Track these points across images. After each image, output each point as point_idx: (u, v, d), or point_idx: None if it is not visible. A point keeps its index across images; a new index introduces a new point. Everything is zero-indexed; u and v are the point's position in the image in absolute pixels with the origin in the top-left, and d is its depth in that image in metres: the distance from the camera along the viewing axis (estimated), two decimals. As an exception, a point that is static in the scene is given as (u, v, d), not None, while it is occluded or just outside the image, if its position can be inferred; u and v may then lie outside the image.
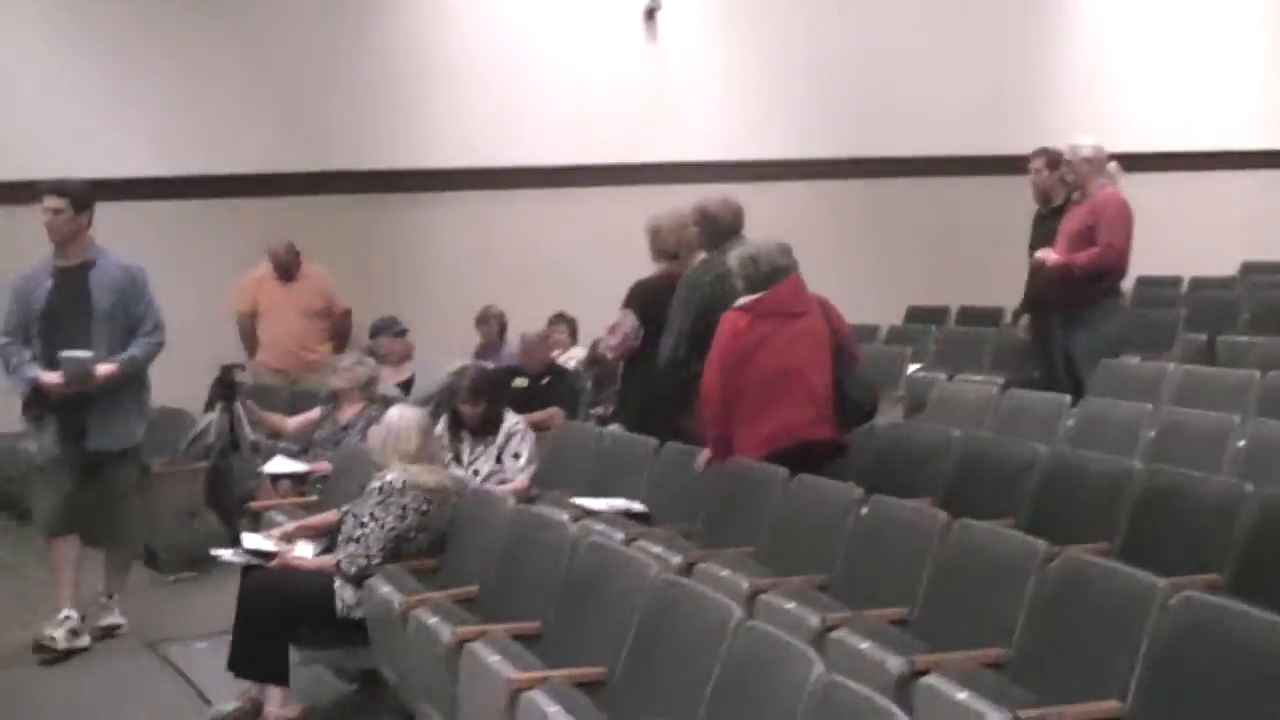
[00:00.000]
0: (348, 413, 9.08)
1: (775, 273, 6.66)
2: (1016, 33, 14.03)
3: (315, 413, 9.39)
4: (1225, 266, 13.78)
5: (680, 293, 7.16)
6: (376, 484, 6.28)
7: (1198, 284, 13.36)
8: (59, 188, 7.39)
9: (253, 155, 11.70)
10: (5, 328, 7.42)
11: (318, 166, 11.81)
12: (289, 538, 6.73)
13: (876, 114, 13.53)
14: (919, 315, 12.99)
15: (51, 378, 7.23)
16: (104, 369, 7.23)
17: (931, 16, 13.67)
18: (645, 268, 7.94)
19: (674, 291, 7.32)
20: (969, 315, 12.66)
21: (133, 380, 7.50)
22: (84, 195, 7.42)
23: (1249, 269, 13.68)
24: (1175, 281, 13.43)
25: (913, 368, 10.71)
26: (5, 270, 7.78)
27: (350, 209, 11.94)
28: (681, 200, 8.05)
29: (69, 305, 7.35)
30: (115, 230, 10.45)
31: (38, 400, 7.35)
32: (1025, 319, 9.93)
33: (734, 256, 6.83)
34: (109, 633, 7.62)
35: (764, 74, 13.19)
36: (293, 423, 9.46)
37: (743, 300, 6.66)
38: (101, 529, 7.63)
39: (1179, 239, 13.43)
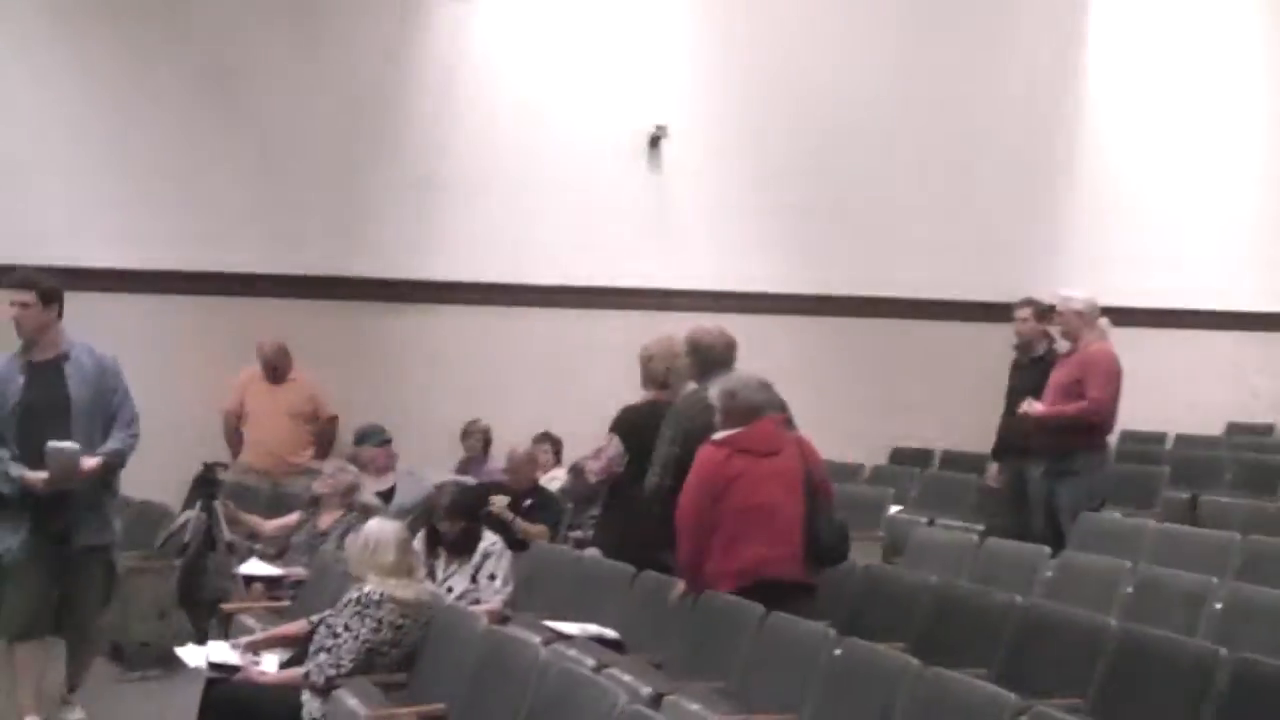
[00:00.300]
0: (326, 519, 9.05)
1: (753, 409, 6.69)
2: (1015, 184, 14.15)
3: (293, 517, 9.36)
4: (1211, 426, 13.84)
5: (669, 422, 7.17)
6: (354, 595, 6.27)
7: (1183, 441, 13.42)
8: (26, 280, 7.24)
9: (248, 254, 11.65)
10: None
11: (313, 270, 11.81)
12: (256, 648, 6.68)
13: (872, 253, 13.61)
14: (904, 457, 13.02)
15: (36, 475, 7.01)
16: (89, 463, 7.09)
17: (931, 162, 13.80)
18: (636, 392, 7.96)
19: (659, 418, 7.34)
20: (953, 460, 12.68)
21: (111, 474, 7.38)
22: (52, 289, 7.25)
23: (1234, 429, 13.74)
24: (1160, 438, 13.49)
25: (894, 509, 10.72)
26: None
27: (343, 314, 11.92)
28: (675, 326, 8.09)
29: (45, 401, 7.14)
30: (103, 321, 10.50)
31: (7, 502, 7.11)
32: (994, 467, 10.00)
33: (714, 390, 6.87)
34: None
35: (762, 207, 13.28)
36: (270, 525, 9.43)
37: (720, 435, 6.69)
38: (68, 622, 7.43)
39: (1165, 396, 13.48)
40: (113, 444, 7.25)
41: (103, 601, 7.63)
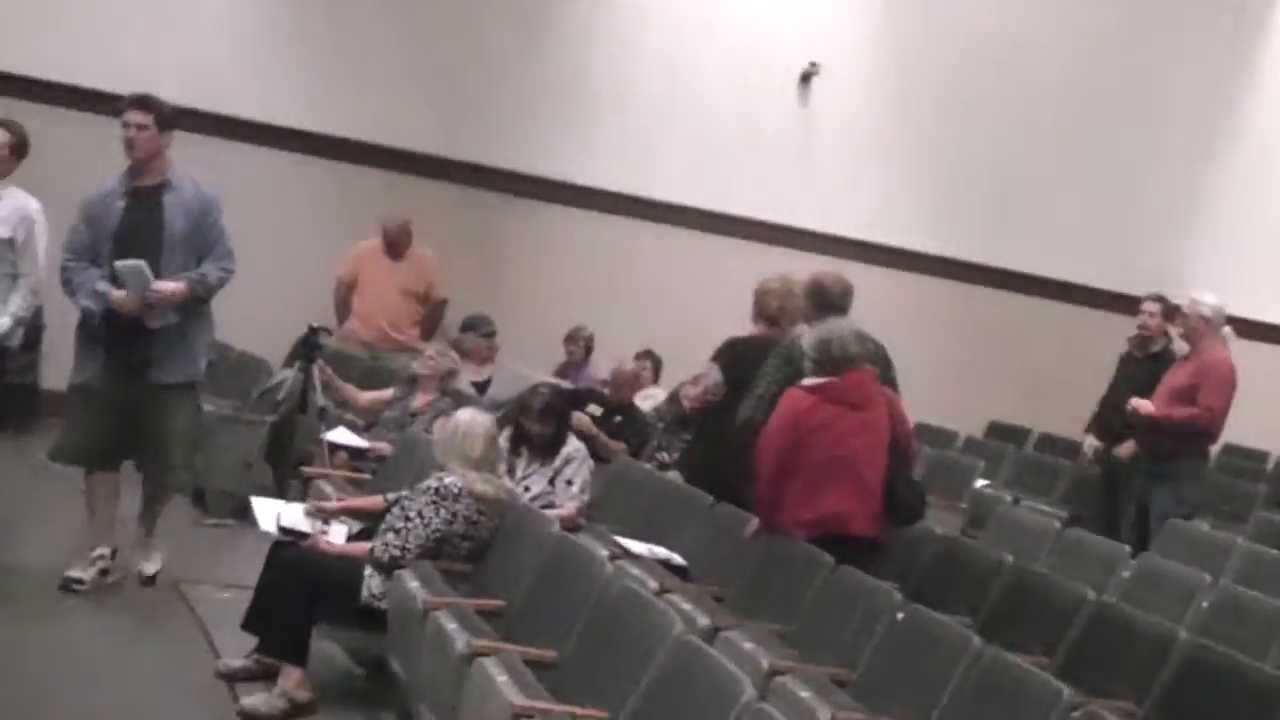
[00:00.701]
0: (420, 400, 9.13)
1: (846, 360, 6.62)
2: (1162, 175, 13.88)
3: (388, 393, 9.44)
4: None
5: (773, 359, 7.11)
6: (434, 483, 6.30)
7: (1285, 463, 13.18)
8: (145, 102, 7.04)
9: (394, 129, 11.78)
10: (71, 246, 7.05)
11: (448, 153, 11.88)
12: (329, 515, 6.73)
13: (1003, 224, 13.46)
14: (1000, 432, 12.90)
15: (120, 294, 6.88)
16: (168, 286, 6.88)
17: (1088, 143, 13.57)
18: (745, 325, 7.91)
19: (764, 355, 7.28)
20: (1050, 443, 12.53)
21: (198, 313, 7.18)
22: (171, 115, 7.09)
23: (1343, 457, 13.43)
24: (1263, 456, 13.23)
25: (981, 483, 10.60)
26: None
27: (474, 202, 12.00)
28: (797, 266, 8.03)
29: (142, 226, 6.99)
30: (244, 172, 10.69)
31: (90, 326, 7.04)
32: (1091, 443, 9.87)
33: (808, 337, 6.80)
34: (149, 582, 7.39)
35: (905, 160, 13.16)
36: (365, 397, 9.53)
37: (810, 381, 6.63)
38: (150, 460, 7.36)
39: (1276, 415, 13.22)
40: (202, 269, 7.04)
41: (183, 443, 7.34)
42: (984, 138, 13.32)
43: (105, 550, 7.26)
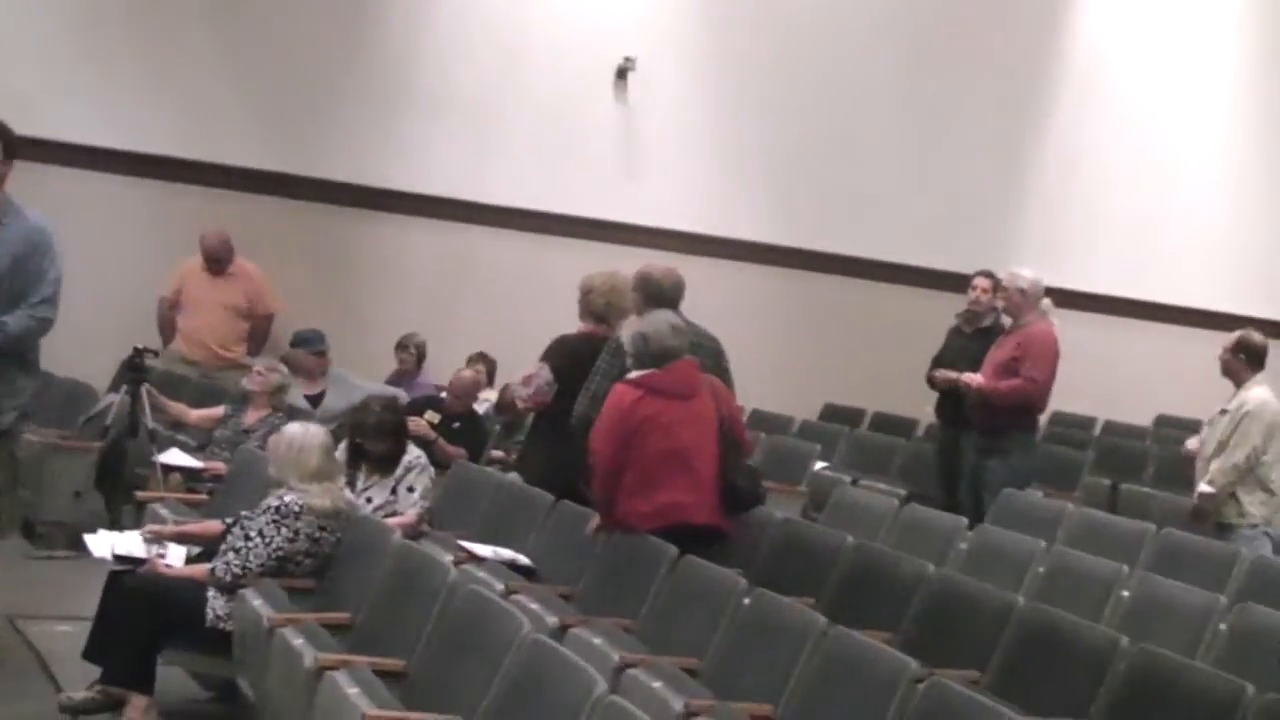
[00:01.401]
0: (252, 417, 9.03)
1: (665, 353, 6.67)
2: (982, 152, 14.16)
3: (219, 410, 9.31)
4: (1141, 417, 13.94)
5: (604, 355, 7.14)
6: (273, 503, 6.23)
7: (1110, 429, 13.52)
8: None
9: (214, 145, 11.55)
10: None
11: (267, 165, 11.71)
12: (163, 538, 6.62)
13: (830, 209, 13.61)
14: (834, 414, 13.06)
15: None
16: None
17: (902, 122, 13.80)
18: (575, 323, 7.93)
19: (593, 352, 7.30)
20: (884, 422, 12.74)
21: (9, 353, 6.29)
22: (14, 140, 6.28)
23: (1162, 422, 13.85)
24: (1089, 423, 13.59)
25: (819, 465, 10.73)
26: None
27: (295, 214, 11.81)
28: (627, 262, 8.05)
29: None
30: (55, 196, 10.42)
31: None
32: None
33: (626, 332, 6.85)
34: None
35: (727, 149, 13.25)
36: (195, 415, 9.39)
37: (633, 375, 6.67)
38: None
39: (1100, 382, 13.58)
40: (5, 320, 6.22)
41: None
42: (807, 123, 13.45)
43: None
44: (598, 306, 7.74)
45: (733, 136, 13.29)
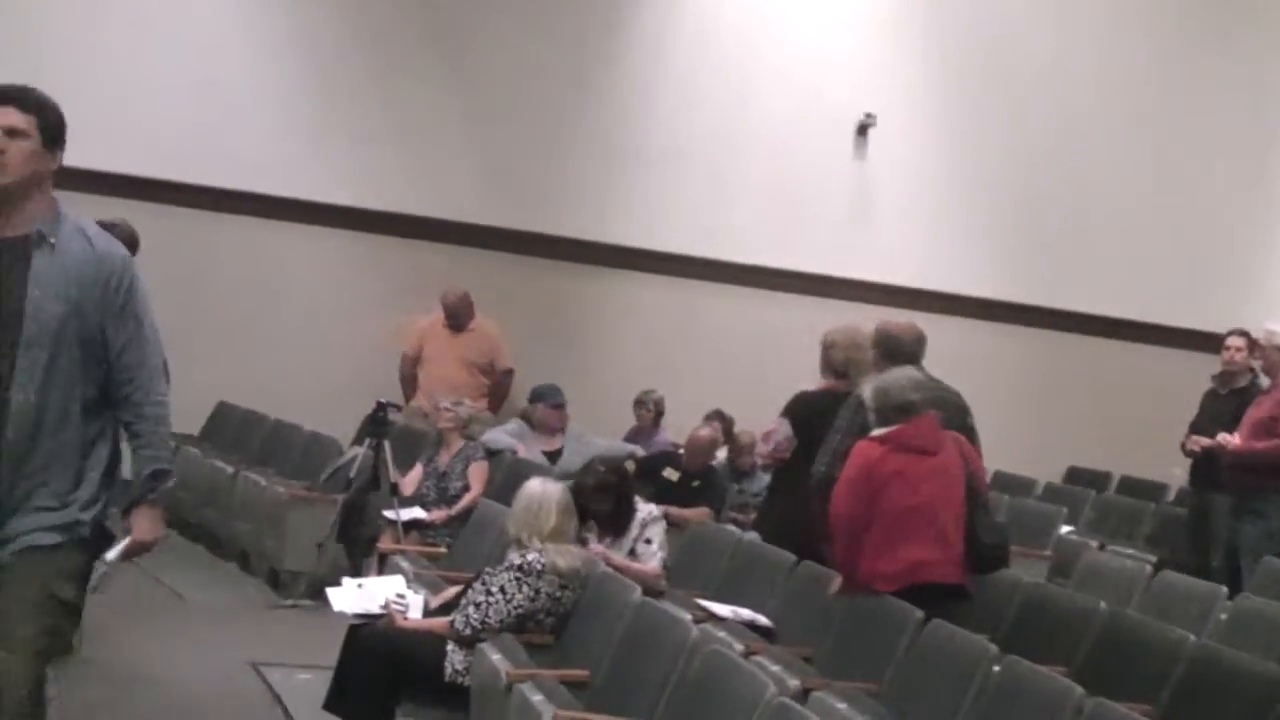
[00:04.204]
0: (444, 457, 9.14)
1: (907, 407, 6.48)
2: (1227, 207, 13.70)
3: (418, 469, 9.36)
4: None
5: (844, 412, 6.98)
6: (516, 560, 6.20)
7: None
8: (23, 97, 4.21)
9: (453, 202, 11.79)
10: None
11: (508, 223, 11.87)
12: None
13: (1071, 265, 13.31)
14: (1079, 477, 12.70)
15: None
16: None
17: (1143, 176, 13.44)
18: (814, 382, 7.79)
19: (833, 407, 7.16)
20: (1130, 485, 12.32)
21: (97, 441, 4.28)
22: (60, 124, 4.25)
23: None
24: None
25: (1065, 529, 10.39)
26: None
27: (533, 271, 11.98)
28: (860, 317, 7.91)
29: None
30: (303, 252, 10.72)
31: None
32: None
33: (867, 388, 6.68)
34: None
35: (966, 206, 13.06)
36: (406, 483, 9.30)
37: (877, 432, 6.50)
38: None
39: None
40: (137, 438, 4.27)
41: (40, 642, 4.12)
42: (1050, 178, 13.19)
43: None
44: (837, 361, 7.58)
45: (972, 191, 13.10)
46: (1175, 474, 10.13)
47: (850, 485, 6.39)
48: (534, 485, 6.50)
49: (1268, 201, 14.01)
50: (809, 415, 7.38)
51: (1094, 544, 10.01)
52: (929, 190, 13.00)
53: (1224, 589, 7.79)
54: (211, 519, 10.21)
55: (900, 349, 7.07)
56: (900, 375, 6.65)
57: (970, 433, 6.91)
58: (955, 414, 6.84)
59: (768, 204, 12.43)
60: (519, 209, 11.91)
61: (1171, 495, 11.69)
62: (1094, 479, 12.56)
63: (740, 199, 12.41)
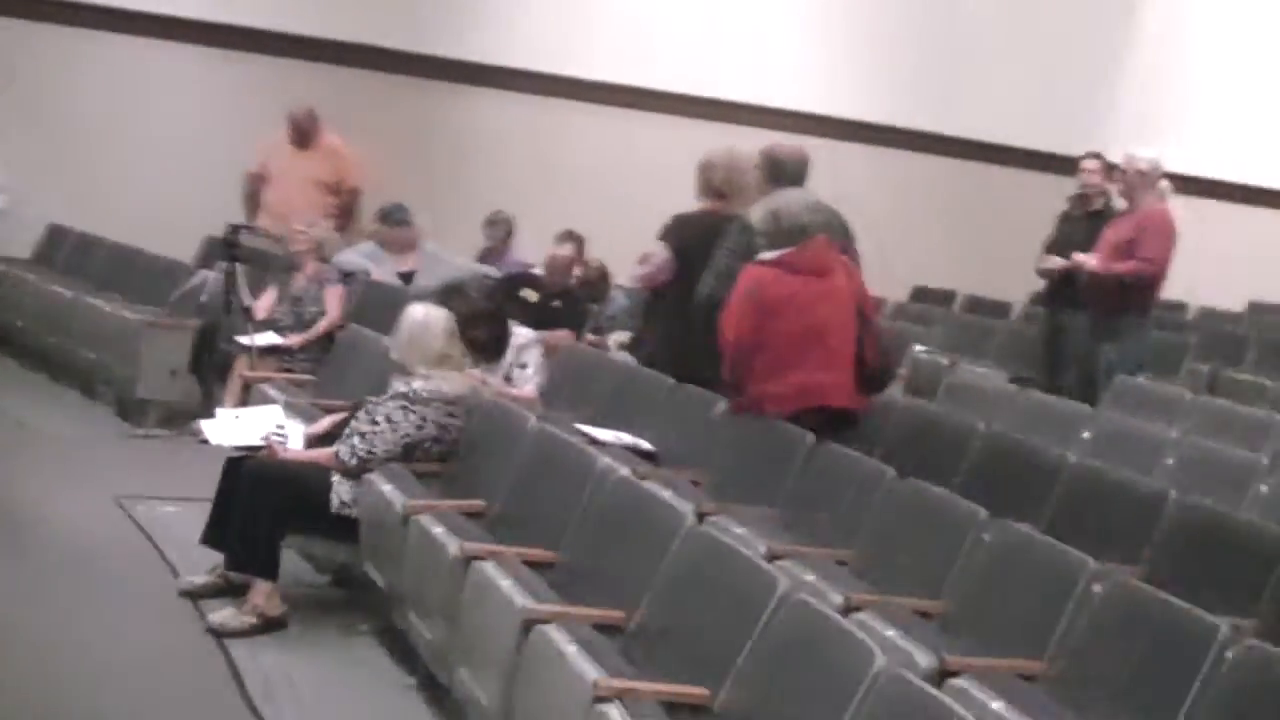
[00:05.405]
0: (300, 281, 8.87)
1: (798, 229, 6.42)
2: (1089, 32, 13.74)
3: (272, 294, 9.08)
4: (1232, 303, 13.63)
5: (732, 233, 6.85)
6: (402, 388, 6.02)
7: (1205, 315, 13.21)
8: None
9: (299, 16, 11.35)
10: None
11: (359, 38, 11.46)
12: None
13: (937, 89, 13.26)
14: (925, 296, 12.80)
15: None
16: None
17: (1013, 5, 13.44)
18: (677, 207, 7.63)
19: (713, 230, 7.03)
20: (977, 304, 12.48)
21: None
22: None
23: (1258, 308, 13.53)
24: (1182, 307, 13.27)
25: (919, 348, 10.49)
26: None
27: (384, 87, 11.61)
28: (712, 140, 7.77)
29: None
30: (143, 68, 10.21)
31: None
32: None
33: (757, 210, 6.58)
34: None
35: (840, 27, 12.89)
36: (259, 308, 9.00)
37: (769, 254, 6.41)
38: None
39: (1191, 266, 13.21)
40: None
41: None
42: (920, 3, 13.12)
43: None
44: (718, 181, 7.40)
45: (843, 14, 12.91)
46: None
47: (740, 308, 6.30)
48: (417, 311, 6.31)
49: (1124, 25, 14.08)
50: (688, 238, 7.23)
51: (945, 361, 10.13)
52: (790, 8, 12.82)
53: (1087, 407, 7.95)
54: (49, 346, 9.83)
55: (783, 171, 6.95)
56: (793, 197, 6.56)
57: (852, 254, 6.86)
58: (841, 236, 6.78)
59: (635, 22, 12.15)
60: (378, 24, 11.51)
61: (1016, 312, 11.88)
62: (940, 298, 12.69)
63: (607, 16, 12.12)
